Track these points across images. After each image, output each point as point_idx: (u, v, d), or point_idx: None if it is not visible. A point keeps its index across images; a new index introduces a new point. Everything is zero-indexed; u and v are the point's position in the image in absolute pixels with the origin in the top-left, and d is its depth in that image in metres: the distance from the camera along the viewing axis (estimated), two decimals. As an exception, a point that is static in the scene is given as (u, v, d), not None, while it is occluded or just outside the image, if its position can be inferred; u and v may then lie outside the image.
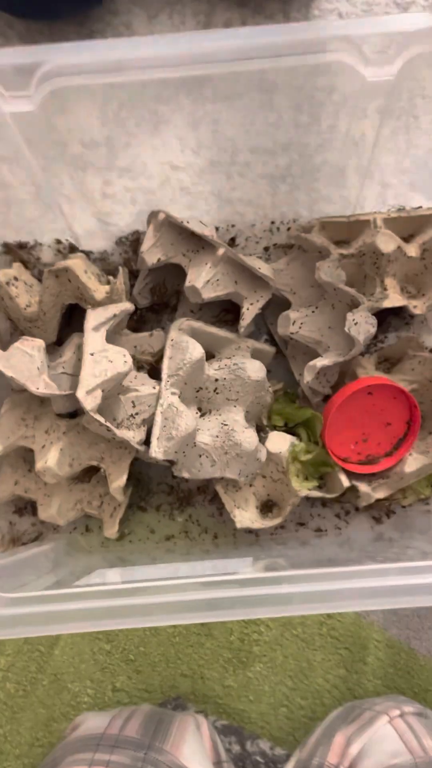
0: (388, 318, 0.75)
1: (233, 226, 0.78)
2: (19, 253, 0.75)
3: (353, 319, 0.62)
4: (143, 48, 0.59)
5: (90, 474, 0.70)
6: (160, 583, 0.47)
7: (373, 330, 0.65)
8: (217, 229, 0.78)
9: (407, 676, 0.70)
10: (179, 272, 0.69)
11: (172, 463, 0.64)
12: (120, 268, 0.71)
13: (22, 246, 0.75)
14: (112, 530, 0.67)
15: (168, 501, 0.72)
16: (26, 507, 0.73)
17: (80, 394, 0.59)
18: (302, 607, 0.45)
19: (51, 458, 0.64)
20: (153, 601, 0.45)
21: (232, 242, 0.77)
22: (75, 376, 0.65)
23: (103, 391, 0.59)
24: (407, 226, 0.73)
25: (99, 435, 0.64)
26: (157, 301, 0.75)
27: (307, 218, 0.78)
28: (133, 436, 0.63)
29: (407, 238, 0.74)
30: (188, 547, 0.71)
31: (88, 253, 0.77)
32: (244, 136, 0.75)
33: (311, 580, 0.46)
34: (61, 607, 0.46)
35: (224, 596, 0.45)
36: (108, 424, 0.59)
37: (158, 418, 0.62)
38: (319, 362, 0.64)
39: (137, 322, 0.75)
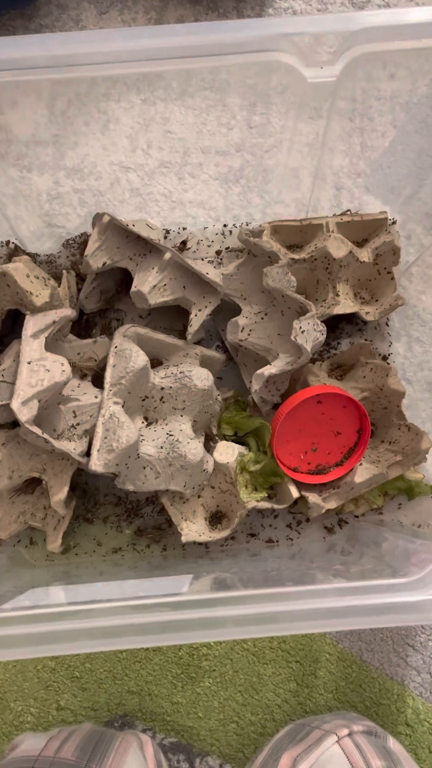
0: (340, 324, 0.73)
1: (184, 228, 0.76)
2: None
3: (300, 327, 0.60)
4: (91, 43, 0.57)
5: (33, 485, 0.68)
6: (88, 606, 0.45)
7: (321, 337, 0.63)
8: (168, 231, 0.76)
9: (359, 689, 0.69)
10: (128, 276, 0.67)
11: (114, 475, 0.61)
12: (64, 272, 0.68)
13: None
14: (55, 544, 0.65)
15: (115, 512, 0.70)
16: (-32, 519, 0.70)
17: (15, 404, 0.56)
18: (234, 631, 0.43)
19: (-11, 470, 0.62)
20: (79, 627, 0.43)
21: (183, 245, 0.75)
22: (14, 384, 0.63)
23: (39, 401, 0.57)
24: (360, 230, 0.72)
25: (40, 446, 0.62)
26: (106, 306, 0.73)
27: (261, 221, 0.76)
28: (74, 447, 0.61)
29: (360, 243, 0.72)
30: (136, 560, 0.69)
31: (34, 256, 0.74)
32: (196, 136, 0.73)
33: (246, 602, 0.44)
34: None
35: (154, 621, 0.43)
36: (45, 436, 0.57)
37: (99, 429, 0.60)
38: (267, 371, 0.62)
39: (85, 327, 0.73)
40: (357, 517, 0.70)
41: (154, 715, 0.68)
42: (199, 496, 0.66)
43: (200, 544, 0.69)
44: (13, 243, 0.74)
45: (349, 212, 0.72)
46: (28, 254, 0.74)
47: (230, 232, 0.76)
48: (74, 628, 0.43)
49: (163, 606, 0.45)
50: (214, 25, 0.55)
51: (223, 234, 0.76)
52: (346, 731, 0.58)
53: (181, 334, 0.69)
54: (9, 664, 0.69)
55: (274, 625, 0.44)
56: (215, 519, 0.67)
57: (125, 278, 0.71)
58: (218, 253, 0.75)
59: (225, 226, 0.76)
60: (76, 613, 0.45)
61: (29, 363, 0.58)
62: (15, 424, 0.66)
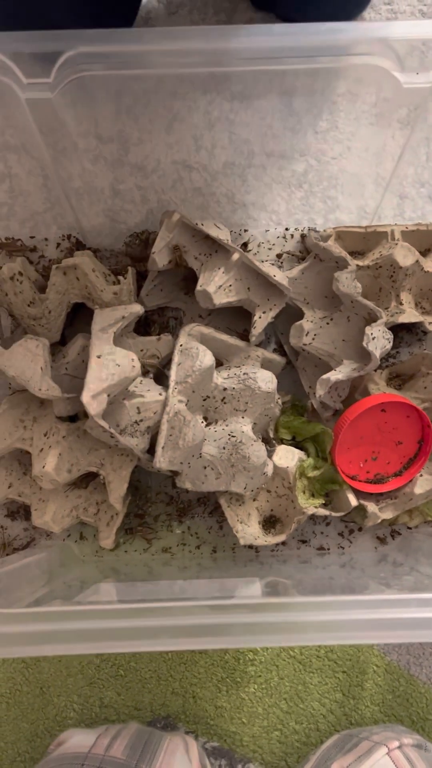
0: (400, 333, 0.73)
1: (245, 230, 0.76)
2: (23, 247, 0.72)
3: (371, 334, 0.60)
4: (162, 40, 0.56)
5: (87, 480, 0.67)
6: (165, 604, 0.44)
7: (389, 345, 0.63)
8: (229, 233, 0.76)
9: (406, 703, 0.68)
10: (189, 275, 0.67)
11: (175, 473, 0.61)
12: (129, 269, 0.68)
13: (24, 241, 0.73)
14: (108, 540, 0.65)
15: (167, 511, 0.70)
16: (19, 511, 0.70)
17: (85, 398, 0.56)
18: (316, 636, 0.43)
19: (49, 463, 0.61)
20: (157, 624, 0.43)
21: (244, 247, 0.75)
22: (78, 378, 0.63)
23: (108, 395, 0.57)
24: (425, 239, 0.71)
25: (100, 441, 0.61)
26: (165, 304, 0.72)
27: (322, 226, 0.76)
28: (136, 443, 0.61)
29: (424, 253, 0.72)
30: (185, 560, 0.68)
31: (95, 251, 0.74)
32: (260, 139, 0.73)
33: (325, 608, 0.44)
34: (59, 626, 0.43)
35: (233, 622, 0.43)
36: (111, 430, 0.57)
37: (164, 427, 0.59)
38: (334, 376, 0.62)
39: (143, 324, 0.73)
40: (410, 528, 0.69)
41: (197, 719, 0.68)
42: (254, 500, 0.66)
43: (251, 547, 0.69)
44: (74, 237, 0.73)
45: (419, 223, 0.72)
46: (89, 249, 0.73)
47: (291, 236, 0.75)
48: (156, 625, 0.43)
49: (241, 607, 0.44)
50: (297, 27, 0.55)
51: (284, 237, 0.75)
52: (396, 743, 0.58)
53: (240, 336, 0.69)
54: (54, 658, 0.68)
55: (333, 633, 0.43)
56: (268, 523, 0.67)
57: (184, 277, 0.71)
58: (279, 256, 0.75)
59: (287, 230, 0.75)
60: (158, 610, 0.44)
61: (99, 357, 0.58)
62: (74, 417, 0.65)
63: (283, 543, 0.69)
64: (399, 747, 0.58)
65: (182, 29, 0.57)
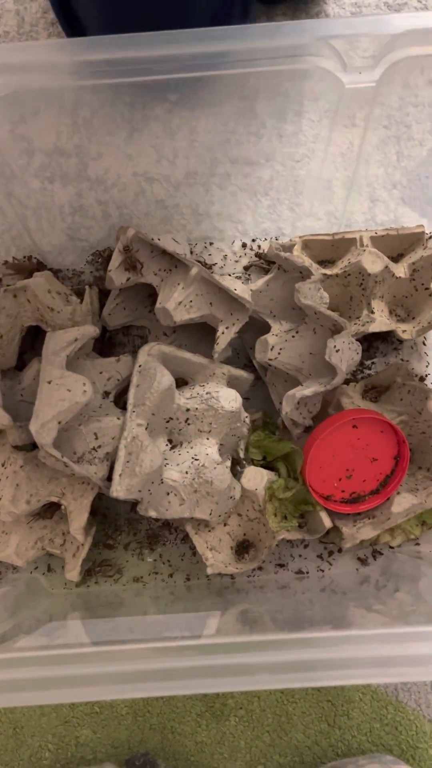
0: (375, 342, 0.70)
1: (211, 243, 0.73)
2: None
3: (334, 346, 0.57)
4: (114, 49, 0.54)
5: (52, 509, 0.65)
6: (109, 648, 0.41)
7: (357, 357, 0.60)
8: (195, 245, 0.73)
9: (395, 732, 0.64)
10: (154, 292, 0.64)
11: (137, 501, 0.58)
12: (87, 288, 0.66)
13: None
14: (74, 572, 0.62)
15: (137, 539, 0.67)
16: (-16, 544, 0.67)
17: (33, 426, 0.53)
18: (270, 679, 0.40)
19: (6, 494, 0.59)
20: (100, 671, 0.40)
21: (209, 259, 0.72)
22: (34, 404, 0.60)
23: (59, 423, 0.54)
24: (396, 244, 0.68)
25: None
26: (129, 322, 0.70)
27: (290, 235, 0.73)
28: (95, 471, 0.58)
29: (396, 258, 0.68)
30: (158, 589, 0.65)
31: (56, 271, 0.72)
32: (224, 146, 0.70)
33: (283, 647, 0.41)
34: (5, 676, 0.40)
35: (182, 666, 0.40)
36: (65, 459, 0.54)
37: (121, 453, 0.56)
38: (299, 392, 0.59)
39: (108, 345, 0.70)
40: (392, 548, 0.66)
41: (177, 755, 0.65)
42: (225, 524, 0.63)
43: (226, 574, 0.66)
44: (35, 258, 0.71)
45: (390, 228, 0.69)
46: (50, 269, 0.71)
47: (258, 246, 0.73)
48: (95, 673, 0.40)
49: (190, 649, 0.41)
50: (245, 30, 0.53)
51: (250, 248, 0.73)
52: None
53: (207, 353, 0.66)
54: (25, 697, 0.65)
55: (311, 673, 0.40)
56: (242, 548, 0.64)
57: (150, 294, 0.69)
58: (246, 268, 0.72)
59: (254, 240, 0.73)
60: (97, 655, 0.41)
61: (49, 382, 0.55)
62: (34, 445, 0.63)
63: (260, 568, 0.66)
64: None
65: (132, 36, 0.54)
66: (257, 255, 0.71)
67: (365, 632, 0.42)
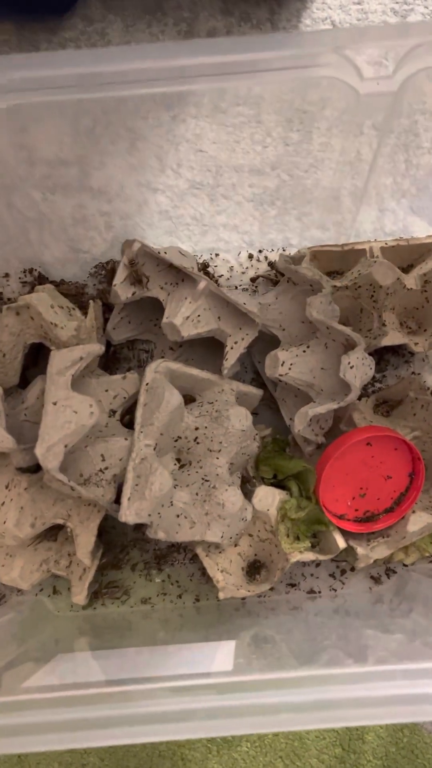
0: (386, 355, 0.68)
1: (217, 255, 0.71)
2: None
3: (348, 363, 0.55)
4: (118, 60, 0.52)
5: (57, 530, 0.63)
6: (121, 689, 0.39)
7: (370, 372, 0.58)
8: (200, 256, 0.71)
9: (410, 755, 0.63)
10: (159, 305, 0.62)
11: (145, 524, 0.56)
12: (91, 303, 0.64)
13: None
14: (80, 596, 0.60)
15: (144, 559, 0.65)
16: (-13, 566, 0.66)
17: (39, 450, 0.51)
18: (294, 719, 0.38)
19: (10, 518, 0.57)
20: (113, 714, 0.38)
21: (214, 272, 0.70)
22: (38, 424, 0.58)
23: (65, 446, 0.52)
24: (406, 255, 0.66)
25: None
26: (134, 336, 0.68)
27: (298, 246, 0.71)
28: (102, 494, 0.56)
29: (406, 269, 0.67)
30: (166, 611, 0.63)
31: (59, 284, 0.70)
32: (228, 155, 0.69)
33: (304, 684, 0.39)
34: (9, 721, 0.38)
35: (199, 707, 0.38)
36: (72, 483, 0.52)
37: (130, 476, 0.55)
38: (311, 410, 0.57)
39: (113, 359, 0.69)
40: (406, 566, 0.64)
41: (187, 782, 0.63)
42: (236, 545, 0.61)
43: (236, 595, 0.64)
44: (37, 271, 0.69)
45: (400, 238, 0.67)
46: (53, 282, 0.69)
47: (265, 257, 0.71)
48: (105, 716, 0.38)
49: (205, 688, 0.39)
50: (253, 40, 0.51)
51: (258, 260, 0.71)
52: None
53: (215, 367, 0.64)
54: (30, 725, 0.64)
55: (330, 712, 0.38)
56: (253, 569, 0.62)
57: (155, 307, 0.67)
58: (253, 280, 0.70)
59: (260, 251, 0.71)
60: (108, 696, 0.40)
61: (54, 404, 0.53)
62: (38, 466, 0.61)
63: (271, 588, 0.64)
64: None
65: (139, 47, 0.53)
66: (270, 264, 0.70)
67: (384, 668, 0.41)
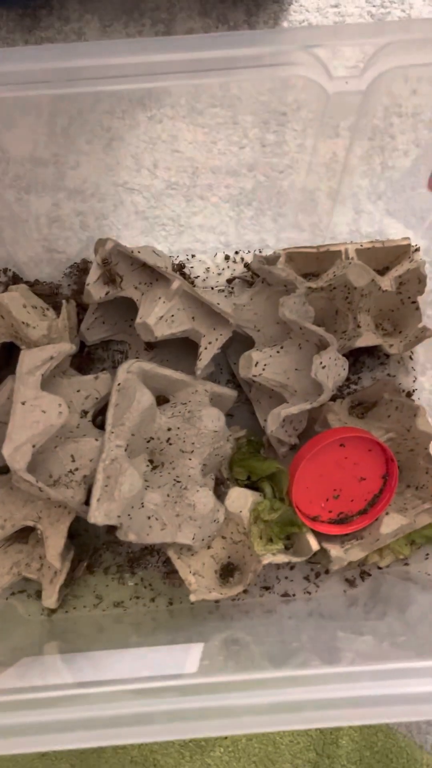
0: (361, 357, 0.68)
1: (193, 256, 0.71)
2: None
3: (320, 362, 0.55)
4: (92, 55, 0.52)
5: (28, 532, 0.62)
6: (82, 691, 0.39)
7: (344, 373, 0.58)
8: (176, 257, 0.71)
9: (385, 759, 0.62)
10: (133, 305, 0.62)
11: (116, 526, 0.56)
12: (63, 302, 0.63)
13: None
14: (51, 599, 0.59)
15: (117, 562, 0.64)
16: (-43, 570, 0.65)
17: (6, 450, 0.51)
18: (256, 721, 0.38)
19: (-21, 520, 0.56)
20: (78, 717, 0.37)
21: (190, 273, 0.70)
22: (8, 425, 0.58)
23: (33, 446, 0.52)
24: (382, 257, 0.66)
25: (34, 493, 0.56)
26: (109, 337, 0.67)
27: (274, 247, 0.71)
28: (72, 495, 0.55)
29: (382, 271, 0.67)
30: (139, 615, 0.63)
31: (33, 284, 0.69)
32: (205, 156, 0.69)
33: (270, 686, 0.39)
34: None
35: (161, 710, 0.37)
36: (40, 484, 0.52)
37: (99, 476, 0.54)
38: (284, 410, 0.57)
39: (87, 360, 0.68)
40: (380, 568, 0.64)
41: (159, 788, 0.62)
42: (209, 547, 0.61)
43: (210, 598, 0.64)
44: (11, 271, 0.69)
45: (375, 240, 0.67)
46: (27, 282, 0.68)
47: (242, 259, 0.71)
48: (71, 718, 0.37)
49: (170, 690, 0.39)
50: (227, 37, 0.51)
51: (234, 261, 0.71)
52: None
53: (189, 368, 0.64)
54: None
55: (299, 714, 0.38)
56: (226, 571, 0.61)
57: (130, 308, 0.66)
58: (229, 281, 0.70)
59: (237, 252, 0.71)
60: (71, 699, 0.39)
61: (23, 403, 0.53)
62: (7, 468, 0.60)
63: (244, 591, 0.63)
64: None
65: (113, 42, 0.52)
66: (246, 266, 0.69)
67: (356, 669, 0.40)
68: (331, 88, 0.47)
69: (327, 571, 0.64)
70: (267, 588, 0.64)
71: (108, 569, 0.64)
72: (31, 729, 0.37)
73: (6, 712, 0.38)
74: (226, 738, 0.63)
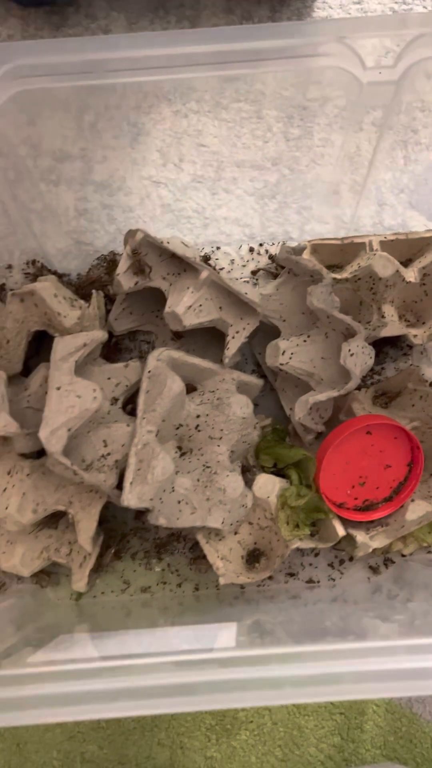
0: (384, 348, 0.69)
1: (218, 248, 0.72)
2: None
3: (349, 350, 0.56)
4: (121, 47, 0.52)
5: (58, 518, 0.63)
6: (127, 662, 0.40)
7: (370, 361, 0.59)
8: (201, 250, 0.72)
9: (409, 744, 0.63)
10: (161, 296, 0.63)
11: (147, 510, 0.57)
12: (94, 292, 0.64)
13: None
14: (81, 583, 0.60)
15: (144, 548, 0.65)
16: (-13, 555, 0.66)
17: (43, 434, 0.52)
18: (295, 693, 0.38)
19: (12, 503, 0.57)
20: (118, 687, 0.38)
21: (215, 265, 0.71)
22: (41, 411, 0.59)
23: (69, 430, 0.53)
24: (405, 249, 0.67)
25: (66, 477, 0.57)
26: (136, 327, 0.68)
27: (298, 239, 0.72)
28: (104, 479, 0.56)
29: (405, 263, 0.68)
30: (166, 599, 0.64)
31: (61, 275, 0.70)
32: (230, 150, 0.70)
33: (305, 659, 0.39)
34: (8, 694, 0.39)
35: (202, 680, 0.38)
36: (75, 467, 0.53)
37: (132, 460, 0.55)
38: (312, 397, 0.58)
39: (114, 350, 0.69)
40: (404, 556, 0.65)
41: (186, 771, 0.63)
42: (236, 533, 0.62)
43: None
44: (39, 262, 0.70)
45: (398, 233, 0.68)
46: (55, 273, 0.70)
47: (266, 251, 0.72)
48: (108, 689, 0.38)
49: (210, 662, 0.40)
50: (254, 29, 0.52)
51: (258, 253, 0.72)
52: None
53: (215, 358, 0.65)
54: (30, 713, 0.64)
55: (337, 686, 0.39)
56: (252, 557, 0.62)
57: (156, 299, 0.67)
58: (254, 273, 0.71)
59: (261, 245, 0.72)
60: (111, 670, 0.40)
61: (58, 389, 0.54)
62: (40, 453, 0.61)
63: (270, 577, 0.64)
64: None
65: (139, 35, 0.53)
66: (270, 258, 0.70)
67: (389, 643, 0.41)
68: (365, 78, 0.48)
69: (351, 559, 0.65)
70: (292, 575, 0.65)
71: (135, 555, 0.65)
72: (77, 698, 0.38)
73: (53, 683, 0.39)
74: (251, 722, 0.63)
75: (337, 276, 0.64)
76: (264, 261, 0.71)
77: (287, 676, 0.38)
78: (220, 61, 0.52)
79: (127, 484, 0.55)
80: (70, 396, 0.53)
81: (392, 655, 0.40)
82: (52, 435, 0.52)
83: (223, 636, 0.46)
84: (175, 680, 0.38)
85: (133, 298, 0.67)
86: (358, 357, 0.57)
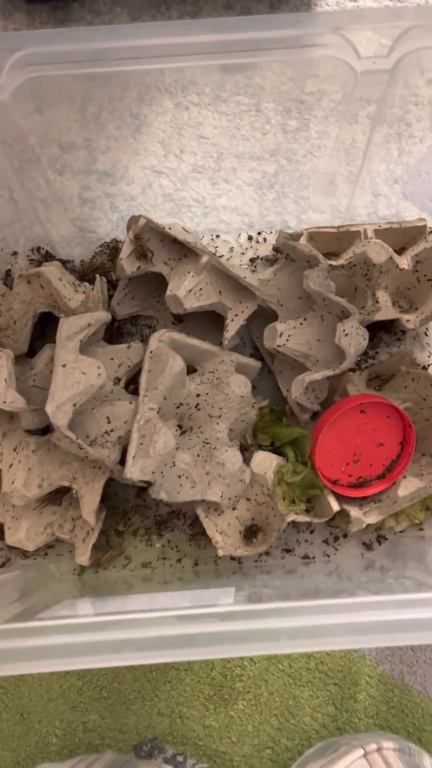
0: (378, 333, 0.71)
1: (218, 236, 0.74)
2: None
3: (344, 330, 0.58)
4: (123, 37, 0.54)
5: (61, 495, 0.65)
6: (131, 616, 0.42)
7: (364, 342, 0.61)
8: (201, 238, 0.74)
9: (401, 714, 0.65)
10: (162, 282, 0.65)
11: (148, 484, 0.59)
12: (97, 276, 0.67)
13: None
14: (84, 557, 0.63)
15: (145, 525, 0.68)
16: (-7, 531, 0.68)
17: (50, 408, 0.54)
18: (291, 644, 0.41)
19: (18, 478, 0.59)
20: (124, 637, 0.41)
21: (215, 252, 0.73)
22: (46, 390, 0.61)
23: (74, 405, 0.55)
24: (399, 238, 0.70)
25: (71, 453, 0.59)
26: (137, 312, 0.71)
27: (295, 228, 0.74)
28: (107, 454, 0.59)
29: (398, 251, 0.70)
30: (166, 575, 0.66)
31: (65, 262, 0.73)
32: (229, 141, 0.72)
33: (301, 613, 0.42)
34: (21, 644, 0.41)
35: (203, 632, 0.41)
36: (80, 441, 0.55)
37: (134, 435, 0.57)
38: (308, 376, 0.60)
39: (116, 334, 0.71)
40: (397, 533, 0.67)
41: (185, 739, 0.65)
42: (234, 509, 0.64)
43: (233, 559, 0.67)
44: (44, 249, 0.72)
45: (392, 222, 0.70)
46: (59, 260, 0.72)
47: (264, 239, 0.74)
48: (119, 639, 0.41)
49: (210, 616, 0.42)
50: (262, 20, 0.53)
51: (256, 241, 0.74)
52: (374, 746, 0.56)
53: (215, 342, 0.67)
54: (34, 682, 0.66)
55: (331, 638, 0.41)
56: (250, 533, 0.64)
57: (158, 285, 0.70)
58: (252, 260, 0.73)
59: (260, 233, 0.74)
60: (119, 623, 0.42)
61: (64, 366, 0.56)
62: (45, 430, 0.64)
63: (267, 553, 0.67)
64: (377, 750, 0.56)
65: (137, 26, 0.55)
66: (275, 249, 0.73)
67: (380, 598, 0.44)
68: (360, 67, 0.50)
69: (345, 535, 0.67)
70: (288, 551, 0.67)
71: (137, 531, 0.67)
72: (85, 649, 0.41)
73: (60, 635, 0.41)
74: (248, 692, 0.66)
75: (333, 263, 0.67)
76: (262, 249, 0.74)
77: (283, 627, 0.41)
78: (221, 51, 0.55)
79: (129, 458, 0.57)
80: (75, 373, 0.55)
81: (383, 609, 0.42)
82: (58, 409, 0.54)
83: (222, 597, 0.48)
84: (177, 632, 0.41)
85: (135, 284, 0.69)
86: (353, 337, 0.59)
